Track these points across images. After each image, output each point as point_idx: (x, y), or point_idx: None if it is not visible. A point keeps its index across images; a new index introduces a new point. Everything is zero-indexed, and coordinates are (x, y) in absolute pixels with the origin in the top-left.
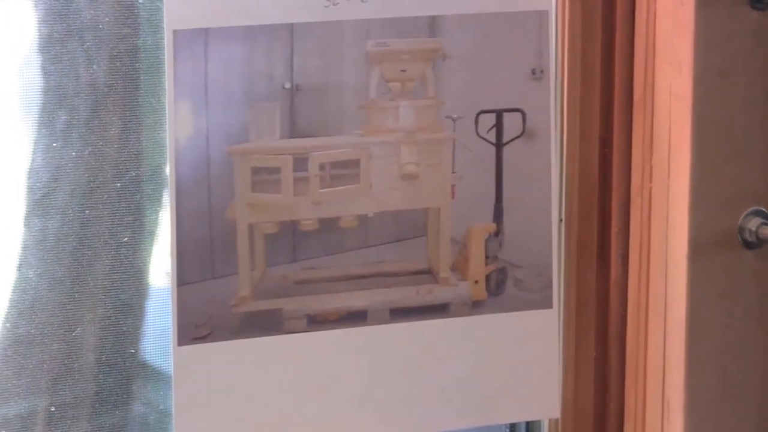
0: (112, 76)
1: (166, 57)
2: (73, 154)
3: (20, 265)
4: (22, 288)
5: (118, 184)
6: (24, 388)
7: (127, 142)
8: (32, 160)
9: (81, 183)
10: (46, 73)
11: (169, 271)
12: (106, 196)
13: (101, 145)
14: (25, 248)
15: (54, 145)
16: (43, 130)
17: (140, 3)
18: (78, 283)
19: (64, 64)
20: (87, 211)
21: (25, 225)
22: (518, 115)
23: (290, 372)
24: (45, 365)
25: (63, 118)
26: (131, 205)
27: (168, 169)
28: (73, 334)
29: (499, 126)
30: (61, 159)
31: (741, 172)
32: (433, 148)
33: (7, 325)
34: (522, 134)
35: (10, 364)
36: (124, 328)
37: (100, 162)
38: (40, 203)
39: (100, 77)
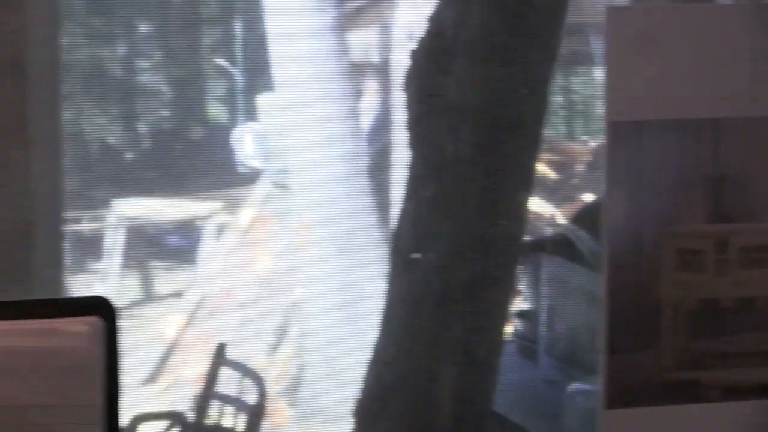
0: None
1: (605, 146)
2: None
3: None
4: (388, 341)
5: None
6: None
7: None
8: (401, 225)
9: (455, 250)
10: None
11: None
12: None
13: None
14: (391, 305)
15: (424, 213)
16: (415, 201)
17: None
18: (439, 338)
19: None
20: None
21: (394, 283)
22: None
23: None
24: (408, 413)
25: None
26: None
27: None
28: (432, 385)
29: None
30: (433, 227)
31: None
32: None
33: (373, 373)
34: None
35: (374, 410)
36: (481, 383)
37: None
38: (412, 264)
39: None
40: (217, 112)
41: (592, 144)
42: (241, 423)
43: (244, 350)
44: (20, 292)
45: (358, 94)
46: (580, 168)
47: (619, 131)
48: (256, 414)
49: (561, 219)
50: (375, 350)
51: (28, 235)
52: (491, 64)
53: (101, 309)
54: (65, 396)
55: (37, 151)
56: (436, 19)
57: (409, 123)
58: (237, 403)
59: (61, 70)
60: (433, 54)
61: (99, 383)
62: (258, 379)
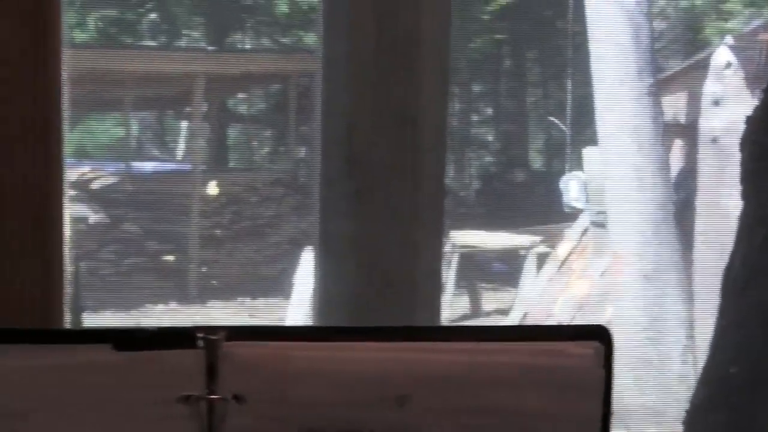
0: None
1: None
2: None
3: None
4: (719, 363)
5: None
6: None
7: None
8: (731, 263)
9: None
10: None
11: None
12: None
13: None
14: (723, 331)
15: (754, 255)
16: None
17: None
18: None
19: None
20: None
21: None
22: None
23: None
24: (730, 427)
25: None
26: None
27: None
28: (755, 405)
29: None
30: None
31: None
32: None
33: (704, 389)
34: None
35: (701, 422)
36: None
37: None
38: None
39: None
40: (537, 160)
41: None
42: None
43: None
44: (403, 306)
45: (667, 150)
46: None
47: None
48: None
49: None
50: (705, 369)
51: (415, 255)
52: None
53: (600, 336)
54: (569, 408)
55: (423, 192)
56: None
57: (742, 178)
58: None
59: (447, 125)
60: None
61: (599, 400)
62: None
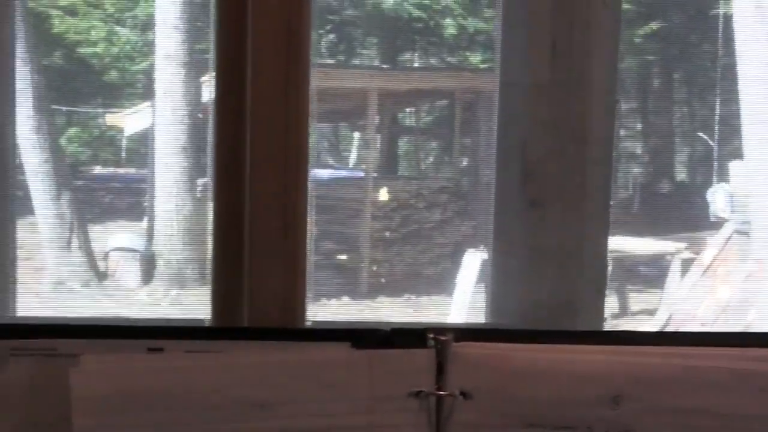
0: None
1: None
2: None
3: None
4: None
5: None
6: None
7: None
8: None
9: None
10: None
11: None
12: None
13: None
14: None
15: None
16: None
17: None
18: None
19: None
20: None
21: None
22: None
23: None
24: None
25: None
26: None
27: None
28: None
29: None
30: None
31: None
32: None
33: None
34: None
35: None
36: None
37: None
38: None
39: None
40: (683, 172)
41: None
42: None
43: None
44: (569, 308)
45: None
46: None
47: None
48: None
49: None
50: None
51: (581, 260)
52: None
53: None
54: None
55: (591, 202)
56: None
57: None
58: None
59: (613, 140)
60: None
61: None
62: None
